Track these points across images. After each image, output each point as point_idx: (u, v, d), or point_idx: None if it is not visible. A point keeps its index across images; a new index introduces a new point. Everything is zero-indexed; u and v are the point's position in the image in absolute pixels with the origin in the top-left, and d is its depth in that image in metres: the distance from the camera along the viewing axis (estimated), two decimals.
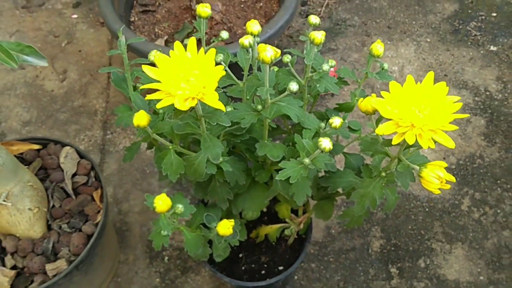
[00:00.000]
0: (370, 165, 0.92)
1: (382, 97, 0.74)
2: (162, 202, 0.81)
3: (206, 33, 0.92)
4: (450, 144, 0.70)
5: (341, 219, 1.04)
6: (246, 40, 0.81)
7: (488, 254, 1.47)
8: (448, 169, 0.78)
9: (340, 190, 0.99)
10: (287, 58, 0.90)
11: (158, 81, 0.69)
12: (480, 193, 1.58)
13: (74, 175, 1.28)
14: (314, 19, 0.90)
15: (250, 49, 0.84)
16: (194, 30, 1.63)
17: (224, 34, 0.94)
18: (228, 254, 1.05)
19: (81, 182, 1.27)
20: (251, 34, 0.84)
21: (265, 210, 1.23)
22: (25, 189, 1.15)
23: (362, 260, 1.47)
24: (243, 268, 1.26)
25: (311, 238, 1.23)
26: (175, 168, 0.87)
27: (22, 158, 1.29)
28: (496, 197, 1.57)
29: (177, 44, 0.71)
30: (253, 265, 1.27)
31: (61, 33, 1.99)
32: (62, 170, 1.27)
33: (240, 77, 0.91)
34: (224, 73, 0.69)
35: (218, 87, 0.71)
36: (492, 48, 1.91)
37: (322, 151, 0.79)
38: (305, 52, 0.91)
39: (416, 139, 0.70)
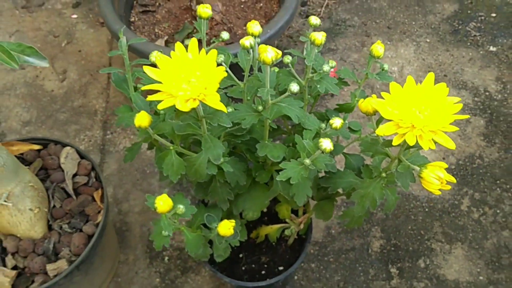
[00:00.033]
0: (370, 165, 0.93)
1: (382, 97, 0.74)
2: (163, 203, 0.81)
3: (206, 33, 0.92)
4: (451, 145, 0.71)
5: (341, 219, 1.04)
6: (247, 41, 0.82)
7: (487, 254, 1.47)
8: (447, 169, 0.78)
9: (340, 190, 0.99)
10: (287, 59, 0.90)
11: (159, 82, 0.70)
12: (479, 193, 1.58)
13: (74, 175, 1.28)
14: (314, 20, 0.90)
15: (251, 50, 0.84)
16: (194, 30, 1.64)
17: (225, 35, 0.94)
18: (229, 254, 1.05)
19: (81, 182, 1.27)
20: (252, 35, 0.84)
21: (265, 210, 1.23)
22: (26, 189, 1.15)
23: (362, 260, 1.47)
24: (243, 268, 1.27)
25: (311, 238, 1.24)
26: (176, 168, 0.87)
27: (22, 159, 1.29)
28: (496, 197, 1.57)
29: (178, 45, 0.71)
30: (253, 265, 1.27)
31: (61, 33, 1.99)
32: (63, 171, 1.28)
33: (240, 78, 0.91)
34: (225, 74, 0.69)
35: (219, 88, 0.71)
36: (491, 48, 1.91)
37: (322, 152, 0.79)
38: (305, 53, 0.91)
39: (417, 140, 0.70)
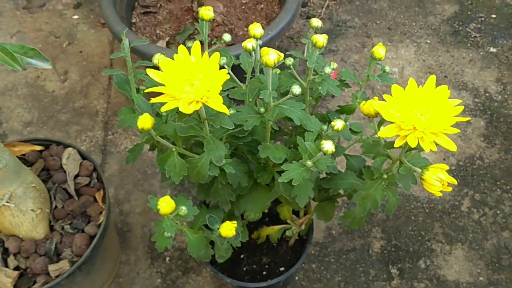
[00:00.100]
0: (372, 167, 0.93)
1: (383, 99, 0.75)
2: (166, 204, 0.81)
3: (207, 35, 0.93)
4: (452, 147, 0.71)
5: (342, 220, 1.04)
6: (249, 44, 0.82)
7: (487, 255, 1.48)
8: (448, 170, 0.78)
9: (341, 191, 1.00)
10: (289, 61, 0.90)
11: (162, 85, 0.70)
12: (480, 194, 1.59)
13: (76, 176, 1.29)
14: (316, 22, 0.91)
15: (253, 52, 0.85)
16: (196, 31, 1.64)
17: (227, 37, 0.95)
18: (230, 255, 1.06)
19: (83, 183, 1.28)
20: (254, 37, 0.85)
21: (266, 211, 1.23)
22: (28, 190, 1.16)
23: (362, 260, 1.48)
24: (244, 269, 1.27)
25: (312, 239, 1.24)
26: (178, 170, 0.88)
27: (24, 159, 1.29)
28: (496, 198, 1.58)
29: (181, 47, 0.71)
30: (254, 266, 1.27)
31: (62, 34, 1.99)
32: (65, 171, 1.28)
33: (241, 79, 0.91)
34: (228, 77, 0.70)
35: (221, 90, 0.71)
36: (491, 49, 1.92)
37: (324, 154, 0.79)
38: (306, 54, 0.91)
39: (418, 142, 0.71)
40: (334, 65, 0.91)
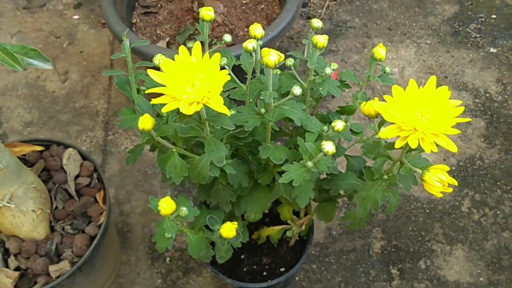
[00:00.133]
0: (372, 167, 0.93)
1: (384, 100, 0.75)
2: (166, 206, 0.81)
3: (208, 35, 0.93)
4: (453, 148, 0.71)
5: (342, 221, 1.04)
6: (249, 44, 0.82)
7: (488, 255, 1.48)
8: (448, 171, 0.78)
9: (342, 192, 1.00)
10: (290, 62, 0.90)
11: (163, 85, 0.70)
12: (480, 194, 1.59)
13: (77, 176, 1.29)
14: (316, 22, 0.91)
15: (254, 53, 0.85)
16: (196, 31, 1.64)
17: (227, 38, 0.95)
18: (231, 255, 1.06)
19: (84, 183, 1.28)
20: (255, 37, 0.85)
21: (267, 211, 1.23)
22: (28, 191, 1.16)
23: (363, 261, 1.48)
24: (244, 269, 1.27)
25: (312, 239, 1.24)
26: (179, 170, 0.88)
27: (25, 160, 1.29)
28: (496, 198, 1.58)
29: (182, 48, 0.71)
30: (254, 267, 1.27)
31: (62, 34, 1.99)
32: (65, 172, 1.28)
33: (242, 79, 0.91)
34: (229, 78, 0.70)
35: (222, 90, 0.71)
36: (492, 50, 1.92)
37: (325, 155, 0.79)
38: (307, 55, 0.91)
39: (419, 143, 0.71)
40: (335, 65, 0.91)
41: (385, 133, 0.73)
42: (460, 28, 1.98)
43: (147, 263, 1.48)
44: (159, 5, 1.75)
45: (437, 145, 0.71)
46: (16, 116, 1.77)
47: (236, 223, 0.90)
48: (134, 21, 1.73)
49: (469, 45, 1.93)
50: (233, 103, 0.95)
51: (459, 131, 0.72)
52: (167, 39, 1.67)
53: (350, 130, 0.98)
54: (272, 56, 0.76)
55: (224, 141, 0.91)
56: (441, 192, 0.78)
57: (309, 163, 0.83)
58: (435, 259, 1.48)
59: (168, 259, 1.49)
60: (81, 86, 1.84)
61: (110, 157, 1.68)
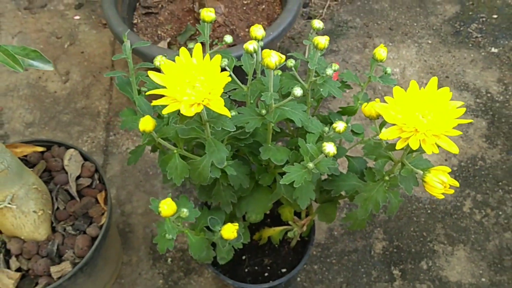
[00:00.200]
0: (373, 168, 0.93)
1: (385, 100, 0.75)
2: (167, 207, 0.81)
3: (209, 36, 0.93)
4: (454, 149, 0.71)
5: (344, 222, 1.04)
6: (250, 46, 0.82)
7: (490, 256, 1.48)
8: (449, 171, 0.78)
9: (343, 193, 1.00)
10: (291, 63, 0.90)
11: (164, 87, 0.70)
12: (481, 195, 1.59)
13: (78, 177, 1.29)
14: (317, 23, 0.90)
15: (254, 54, 0.85)
16: (197, 32, 1.64)
17: (228, 38, 0.95)
18: (232, 256, 1.06)
19: (85, 184, 1.28)
20: (255, 38, 0.85)
21: (268, 212, 1.23)
22: (29, 191, 1.16)
23: (364, 262, 1.48)
24: (246, 270, 1.27)
25: (314, 240, 1.24)
26: (179, 172, 0.88)
27: (26, 161, 1.29)
28: (498, 199, 1.58)
29: (182, 50, 0.71)
30: (256, 267, 1.27)
31: (63, 34, 1.99)
32: (66, 173, 1.28)
33: (243, 80, 0.91)
34: (229, 79, 0.70)
35: (222, 91, 0.71)
36: (493, 50, 1.91)
37: (326, 156, 0.79)
38: (307, 55, 0.91)
39: (420, 144, 0.71)
40: (336, 66, 0.91)
41: (386, 135, 0.73)
42: (461, 28, 1.98)
43: (148, 263, 1.48)
44: (160, 5, 1.75)
45: (439, 146, 0.71)
46: (18, 117, 1.77)
47: (237, 224, 0.90)
48: (135, 21, 1.73)
49: (470, 45, 1.93)
50: (234, 104, 0.95)
51: (461, 133, 0.72)
52: (168, 40, 1.67)
53: (351, 131, 0.98)
54: (273, 58, 0.76)
55: (225, 142, 0.91)
56: (443, 194, 0.78)
57: (310, 164, 0.83)
58: (436, 259, 1.48)
59: (169, 259, 1.49)
60: (82, 87, 1.85)
61: (111, 157, 1.68)
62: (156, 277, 1.46)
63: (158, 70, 0.76)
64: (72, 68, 1.89)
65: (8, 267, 1.18)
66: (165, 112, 0.69)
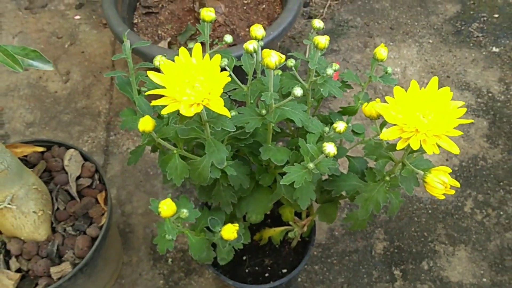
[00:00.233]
0: (374, 169, 0.92)
1: (385, 100, 0.74)
2: (167, 207, 0.81)
3: (209, 35, 0.92)
4: (455, 149, 0.70)
5: (344, 222, 1.04)
6: (250, 45, 0.82)
7: (491, 256, 1.47)
8: (450, 172, 0.78)
9: (343, 193, 0.99)
10: (291, 63, 0.90)
11: (163, 87, 0.70)
12: (483, 195, 1.58)
13: (78, 177, 1.28)
14: (318, 23, 0.90)
15: (254, 54, 0.85)
16: (197, 32, 1.64)
17: (228, 38, 0.94)
18: (232, 257, 1.05)
19: (85, 184, 1.27)
20: (255, 38, 0.84)
21: (268, 212, 1.23)
22: (29, 192, 1.16)
23: (365, 262, 1.47)
24: (246, 270, 1.27)
25: (314, 240, 1.24)
26: (179, 172, 0.87)
27: (26, 161, 1.29)
28: (499, 199, 1.57)
29: (182, 49, 0.71)
30: (256, 268, 1.27)
31: (64, 34, 1.99)
32: (67, 173, 1.28)
33: (243, 79, 0.91)
34: (229, 79, 0.69)
35: (222, 91, 0.71)
36: (494, 49, 1.91)
37: (326, 156, 0.79)
38: (308, 55, 0.91)
39: (421, 144, 0.70)
40: (336, 66, 0.91)
41: (386, 135, 0.72)
42: (462, 28, 1.97)
43: (149, 264, 1.48)
44: (160, 5, 1.75)
45: (439, 146, 0.71)
46: (18, 117, 1.77)
47: (237, 224, 0.90)
48: (135, 21, 1.73)
49: (471, 44, 1.93)
50: (234, 104, 0.94)
51: (462, 133, 0.71)
52: (169, 40, 1.67)
53: (352, 131, 0.98)
54: (272, 57, 0.75)
55: (225, 143, 0.91)
56: (443, 194, 0.77)
57: (311, 165, 0.82)
58: (437, 260, 1.47)
59: (170, 260, 1.48)
60: (82, 87, 1.84)
61: (112, 157, 1.68)
62: (156, 277, 1.46)
63: (158, 70, 0.75)
64: (73, 68, 1.89)
65: (8, 268, 1.18)
66: (164, 112, 0.69)
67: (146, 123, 0.79)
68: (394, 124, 0.72)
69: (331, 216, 1.10)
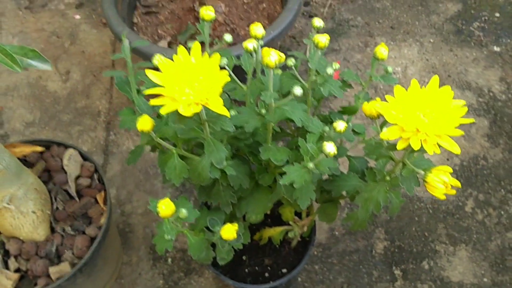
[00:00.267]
0: (374, 168, 0.92)
1: (386, 100, 0.74)
2: (165, 207, 0.80)
3: (209, 34, 0.92)
4: (456, 149, 0.70)
5: (345, 222, 1.03)
6: (250, 44, 0.81)
7: (492, 256, 1.47)
8: (451, 172, 0.77)
9: (344, 193, 0.99)
10: (291, 62, 0.89)
11: (162, 86, 0.69)
12: (483, 194, 1.58)
13: (77, 177, 1.28)
14: (318, 22, 0.90)
15: (254, 53, 0.84)
16: (197, 31, 1.63)
17: (228, 37, 0.94)
18: (232, 257, 1.05)
19: (84, 184, 1.27)
20: (255, 37, 0.84)
21: (268, 212, 1.22)
22: (28, 192, 1.15)
23: (365, 262, 1.47)
24: (246, 270, 1.26)
25: (314, 240, 1.23)
26: (178, 172, 0.87)
27: (25, 161, 1.29)
28: (500, 198, 1.57)
29: (181, 48, 0.71)
30: (256, 268, 1.27)
31: (64, 33, 1.99)
32: (66, 173, 1.27)
33: (243, 79, 0.91)
34: (229, 79, 0.69)
35: (222, 91, 0.70)
36: (495, 48, 1.90)
37: (326, 156, 0.78)
38: (308, 55, 0.90)
39: (421, 144, 0.70)
40: (337, 65, 0.90)
41: (387, 135, 0.72)
42: (463, 27, 1.97)
43: (148, 263, 1.48)
44: (160, 4, 1.74)
45: (440, 146, 0.70)
46: (18, 117, 1.77)
47: (236, 224, 0.89)
48: (135, 21, 1.73)
49: (472, 43, 1.92)
50: (233, 103, 0.94)
51: (463, 132, 0.71)
52: (169, 39, 1.66)
53: (352, 130, 0.97)
54: (272, 57, 0.75)
55: (224, 142, 0.90)
56: (444, 194, 0.77)
57: (310, 164, 0.82)
58: (438, 259, 1.47)
59: (169, 259, 1.48)
60: (82, 86, 1.84)
61: (111, 157, 1.67)
62: (156, 277, 1.45)
63: (157, 69, 0.75)
64: (73, 67, 1.89)
65: (7, 268, 1.17)
66: (163, 111, 0.68)
67: (144, 123, 0.78)
68: (395, 124, 0.71)
69: (331, 216, 1.09)
